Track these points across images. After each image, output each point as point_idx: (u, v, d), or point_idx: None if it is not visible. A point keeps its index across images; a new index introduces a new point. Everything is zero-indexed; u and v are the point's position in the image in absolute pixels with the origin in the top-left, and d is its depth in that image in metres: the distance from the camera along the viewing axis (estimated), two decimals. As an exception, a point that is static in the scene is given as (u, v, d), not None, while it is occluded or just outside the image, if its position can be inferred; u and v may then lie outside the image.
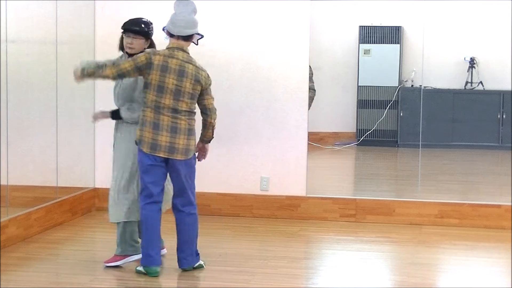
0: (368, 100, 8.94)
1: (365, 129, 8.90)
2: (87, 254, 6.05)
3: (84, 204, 7.32)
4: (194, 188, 5.46)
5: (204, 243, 6.08)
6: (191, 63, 5.30)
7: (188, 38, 5.33)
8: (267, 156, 7.24)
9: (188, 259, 5.46)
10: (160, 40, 5.75)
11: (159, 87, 5.23)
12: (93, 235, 6.78)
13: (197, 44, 5.43)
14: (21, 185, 6.43)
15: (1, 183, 6.01)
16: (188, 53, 5.35)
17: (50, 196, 6.79)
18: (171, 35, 5.33)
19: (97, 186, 7.51)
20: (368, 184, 8.39)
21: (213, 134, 5.53)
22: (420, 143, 7.74)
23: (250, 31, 7.20)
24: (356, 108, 8.95)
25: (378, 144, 8.97)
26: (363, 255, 6.11)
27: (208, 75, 5.39)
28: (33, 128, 6.62)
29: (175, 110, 5.25)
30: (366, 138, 8.85)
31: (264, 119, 7.21)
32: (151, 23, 5.64)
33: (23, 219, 6.28)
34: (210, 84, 5.41)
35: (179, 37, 5.31)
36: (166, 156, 5.25)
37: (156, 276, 5.33)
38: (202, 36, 5.43)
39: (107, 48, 7.38)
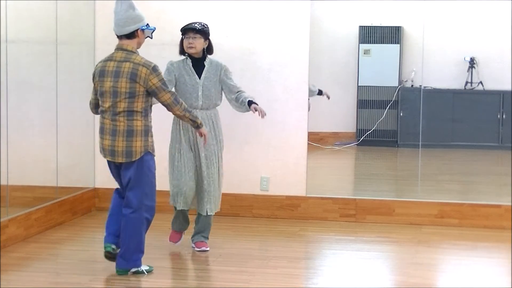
0: (368, 100, 8.94)
1: (365, 129, 8.89)
2: (87, 254, 6.05)
3: (84, 204, 7.32)
4: (145, 192, 5.23)
5: (204, 243, 6.08)
6: (129, 61, 5.16)
7: (131, 36, 5.23)
8: (267, 156, 7.24)
9: (118, 260, 5.32)
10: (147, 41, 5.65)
11: (100, 92, 5.26)
12: (93, 235, 6.78)
13: (151, 38, 5.36)
14: (21, 185, 6.43)
15: (1, 183, 6.01)
16: (130, 51, 5.20)
17: (50, 196, 6.79)
18: (117, 36, 5.29)
19: (97, 186, 7.51)
20: (368, 184, 8.39)
21: (192, 121, 5.44)
22: (420, 143, 7.74)
23: (250, 31, 7.20)
24: (356, 108, 8.95)
25: (378, 144, 8.96)
26: (363, 255, 6.11)
27: (152, 71, 5.12)
28: (33, 128, 6.62)
29: (114, 113, 5.18)
30: (366, 138, 8.85)
31: (264, 119, 7.20)
32: (207, 25, 5.89)
33: (23, 219, 6.28)
34: (158, 80, 5.14)
35: (122, 37, 5.25)
36: (110, 160, 5.26)
37: (108, 251, 5.34)
38: (153, 29, 5.32)
39: (107, 48, 7.36)
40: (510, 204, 6.91)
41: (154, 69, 5.15)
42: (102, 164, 7.42)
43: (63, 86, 6.93)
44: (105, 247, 5.38)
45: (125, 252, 5.28)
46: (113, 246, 5.35)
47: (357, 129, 8.95)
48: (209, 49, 5.94)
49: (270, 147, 7.22)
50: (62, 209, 6.90)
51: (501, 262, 5.90)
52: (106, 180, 7.45)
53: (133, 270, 5.31)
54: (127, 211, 5.25)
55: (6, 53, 6.02)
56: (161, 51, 6.73)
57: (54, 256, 5.97)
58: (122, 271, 5.31)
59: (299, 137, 7.21)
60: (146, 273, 5.32)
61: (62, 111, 6.92)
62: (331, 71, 8.73)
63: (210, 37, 5.92)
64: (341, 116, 9.08)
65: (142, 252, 5.34)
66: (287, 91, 7.19)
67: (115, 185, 7.32)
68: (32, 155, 6.61)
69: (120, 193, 5.47)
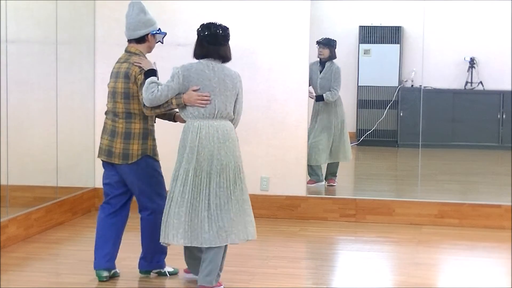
0: (368, 100, 8.93)
1: (365, 129, 8.88)
2: (87, 254, 6.05)
3: (84, 204, 7.32)
4: (158, 193, 5.18)
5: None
6: (126, 62, 5.14)
7: (141, 40, 5.18)
8: (267, 156, 7.24)
9: (140, 261, 5.34)
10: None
11: (108, 93, 5.25)
12: (93, 235, 6.76)
13: (162, 43, 5.33)
14: (21, 185, 6.43)
15: (1, 183, 6.01)
16: (133, 53, 5.14)
17: (50, 196, 6.79)
18: (127, 40, 5.24)
19: (97, 186, 7.51)
20: (368, 184, 8.39)
21: (169, 118, 5.24)
22: (420, 143, 7.74)
23: (250, 31, 7.20)
24: (356, 108, 8.94)
25: (378, 144, 8.95)
26: (363, 255, 6.11)
27: (142, 70, 5.04)
28: (33, 128, 6.62)
29: (114, 113, 5.16)
30: (366, 138, 8.84)
31: (264, 119, 7.21)
32: (204, 27, 5.10)
33: (23, 219, 6.28)
34: (143, 79, 5.03)
35: (132, 40, 5.20)
36: (105, 160, 5.18)
37: (102, 281, 5.19)
38: (164, 34, 5.27)
39: (107, 48, 7.39)
40: (510, 204, 6.91)
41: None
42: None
43: (63, 86, 6.93)
44: (98, 276, 5.22)
45: (146, 253, 5.27)
46: (106, 274, 5.23)
47: (357, 129, 8.94)
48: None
49: (270, 147, 7.22)
50: (62, 209, 6.90)
51: (501, 262, 5.90)
52: (106, 180, 7.46)
53: (155, 271, 5.31)
54: (144, 214, 5.23)
55: (6, 53, 6.02)
56: (160, 51, 6.72)
57: (54, 256, 5.97)
58: (144, 272, 5.32)
59: (299, 137, 7.21)
60: (168, 275, 5.32)
61: (62, 111, 6.92)
62: (331, 71, 8.71)
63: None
64: (341, 116, 9.07)
65: (164, 253, 5.30)
66: (287, 91, 7.19)
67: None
68: (32, 155, 6.61)
69: (106, 206, 5.30)
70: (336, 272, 5.72)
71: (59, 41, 6.87)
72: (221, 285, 4.99)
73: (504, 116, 8.93)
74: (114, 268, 5.28)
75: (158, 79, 5.05)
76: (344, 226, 7.00)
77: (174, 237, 4.90)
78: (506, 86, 8.89)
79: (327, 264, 5.99)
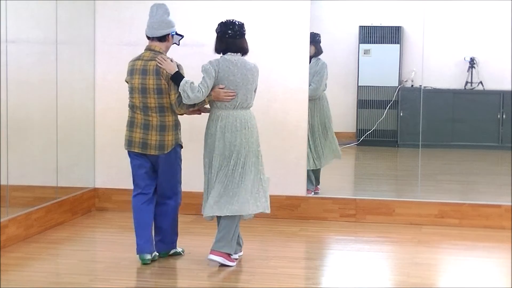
0: (368, 100, 8.93)
1: (365, 129, 8.88)
2: (87, 254, 6.06)
3: (84, 204, 7.32)
4: (177, 180, 5.73)
5: (204, 243, 6.08)
6: (154, 60, 5.53)
7: (162, 39, 5.62)
8: (267, 156, 7.21)
9: (158, 244, 5.74)
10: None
11: (130, 89, 5.61)
12: (93, 235, 6.78)
13: (178, 45, 5.72)
14: (21, 185, 6.44)
15: (1, 183, 6.01)
16: (158, 51, 5.57)
17: (50, 196, 6.80)
18: (147, 37, 5.65)
19: (97, 186, 7.51)
20: (368, 184, 8.39)
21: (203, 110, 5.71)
22: (420, 143, 7.74)
23: (250, 31, 7.17)
24: (356, 108, 8.94)
25: (378, 144, 8.95)
26: (363, 255, 6.11)
27: None
28: (33, 128, 6.62)
29: (145, 108, 5.54)
30: (366, 138, 8.84)
31: (264, 119, 7.20)
32: (222, 24, 5.65)
33: (23, 219, 6.28)
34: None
35: (154, 39, 5.61)
36: (140, 152, 5.57)
37: (146, 264, 5.58)
38: (182, 36, 5.71)
39: (107, 48, 7.39)
40: (510, 204, 6.91)
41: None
42: (102, 164, 7.46)
43: (63, 86, 6.93)
44: (142, 259, 5.61)
45: (164, 236, 5.75)
46: (149, 257, 5.63)
47: (357, 129, 8.94)
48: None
49: (270, 147, 7.21)
50: (62, 209, 6.90)
51: (501, 262, 5.90)
52: (106, 180, 7.47)
53: (172, 251, 5.76)
54: (167, 201, 5.71)
55: (6, 53, 6.02)
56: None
57: (54, 256, 5.97)
58: (163, 254, 5.76)
59: (299, 137, 7.21)
60: (182, 253, 5.83)
61: (62, 111, 6.92)
62: (331, 71, 8.69)
63: (212, 38, 5.80)
64: (341, 116, 9.07)
65: (177, 234, 5.83)
66: (287, 91, 7.19)
67: (116, 185, 7.37)
68: (32, 155, 6.61)
69: (141, 195, 5.68)
70: (336, 272, 5.71)
71: (59, 41, 6.87)
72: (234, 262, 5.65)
73: (504, 116, 8.94)
74: (154, 251, 5.69)
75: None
76: (344, 226, 7.00)
77: (207, 210, 5.58)
78: (506, 86, 8.89)
79: (327, 264, 5.99)
